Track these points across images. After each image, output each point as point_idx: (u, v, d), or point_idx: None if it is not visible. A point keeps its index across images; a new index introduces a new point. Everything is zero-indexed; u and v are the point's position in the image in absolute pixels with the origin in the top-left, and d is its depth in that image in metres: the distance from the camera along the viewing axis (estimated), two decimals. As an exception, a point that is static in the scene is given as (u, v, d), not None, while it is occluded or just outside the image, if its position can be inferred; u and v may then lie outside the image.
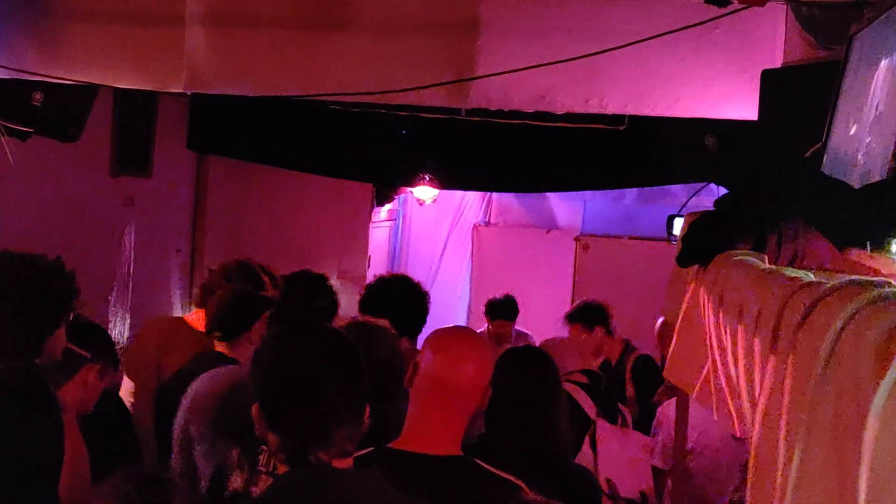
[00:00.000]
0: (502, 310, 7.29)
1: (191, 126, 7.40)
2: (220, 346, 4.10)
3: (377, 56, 4.16)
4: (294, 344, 2.14)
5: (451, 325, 3.04)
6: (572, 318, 6.04)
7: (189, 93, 4.59)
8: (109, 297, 6.39)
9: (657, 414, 4.93)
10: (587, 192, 9.62)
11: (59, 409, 2.30)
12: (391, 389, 2.83)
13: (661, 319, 5.39)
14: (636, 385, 5.94)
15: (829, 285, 1.30)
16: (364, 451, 2.41)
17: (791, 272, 1.60)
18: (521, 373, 3.18)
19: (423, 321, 3.98)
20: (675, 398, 4.16)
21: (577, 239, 9.84)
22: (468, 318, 9.86)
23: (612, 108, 4.25)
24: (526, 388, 3.13)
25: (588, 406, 3.84)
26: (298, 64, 4.22)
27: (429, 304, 4.14)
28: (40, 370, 2.48)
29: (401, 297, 3.94)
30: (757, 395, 1.55)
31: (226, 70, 4.27)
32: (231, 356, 4.05)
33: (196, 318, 4.62)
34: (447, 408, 2.44)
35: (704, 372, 2.18)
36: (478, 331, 6.80)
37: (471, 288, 10.22)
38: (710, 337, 2.01)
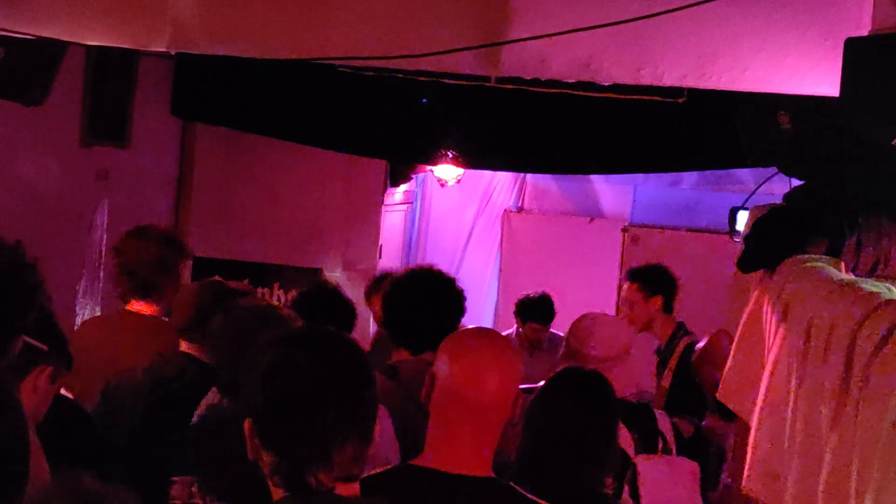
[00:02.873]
0: (536, 311, 7.24)
1: (175, 89, 7.40)
2: (188, 346, 4.10)
3: (394, 14, 4.16)
4: (292, 350, 2.15)
5: (469, 327, 3.01)
6: (634, 275, 5.98)
7: (173, 52, 4.60)
8: (77, 287, 6.44)
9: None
10: (638, 176, 9.60)
11: (24, 420, 2.33)
12: None
13: (703, 341, 5.27)
14: (675, 373, 5.80)
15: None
16: (385, 469, 2.45)
17: (870, 285, 1.59)
18: (570, 409, 3.11)
19: (450, 331, 3.73)
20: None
21: (624, 230, 9.84)
22: (495, 319, 9.87)
23: (669, 80, 4.23)
24: (574, 432, 3.06)
25: (626, 440, 3.80)
26: (301, 21, 4.21)
27: (460, 308, 3.79)
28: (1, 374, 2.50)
29: (426, 298, 3.70)
30: (824, 424, 1.55)
31: (216, 27, 4.27)
32: (199, 357, 4.06)
33: (143, 307, 4.63)
34: (473, 423, 2.44)
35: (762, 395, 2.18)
36: (504, 333, 6.81)
37: (499, 284, 10.24)
38: (769, 355, 2.01)
